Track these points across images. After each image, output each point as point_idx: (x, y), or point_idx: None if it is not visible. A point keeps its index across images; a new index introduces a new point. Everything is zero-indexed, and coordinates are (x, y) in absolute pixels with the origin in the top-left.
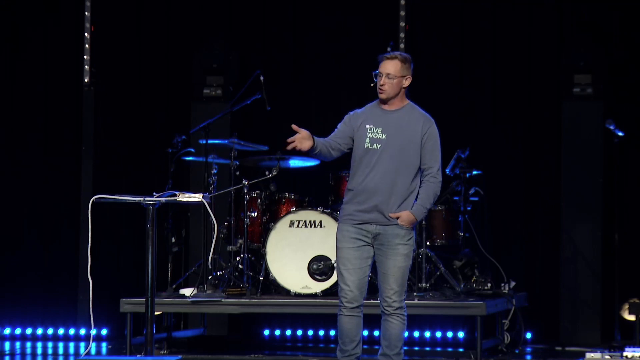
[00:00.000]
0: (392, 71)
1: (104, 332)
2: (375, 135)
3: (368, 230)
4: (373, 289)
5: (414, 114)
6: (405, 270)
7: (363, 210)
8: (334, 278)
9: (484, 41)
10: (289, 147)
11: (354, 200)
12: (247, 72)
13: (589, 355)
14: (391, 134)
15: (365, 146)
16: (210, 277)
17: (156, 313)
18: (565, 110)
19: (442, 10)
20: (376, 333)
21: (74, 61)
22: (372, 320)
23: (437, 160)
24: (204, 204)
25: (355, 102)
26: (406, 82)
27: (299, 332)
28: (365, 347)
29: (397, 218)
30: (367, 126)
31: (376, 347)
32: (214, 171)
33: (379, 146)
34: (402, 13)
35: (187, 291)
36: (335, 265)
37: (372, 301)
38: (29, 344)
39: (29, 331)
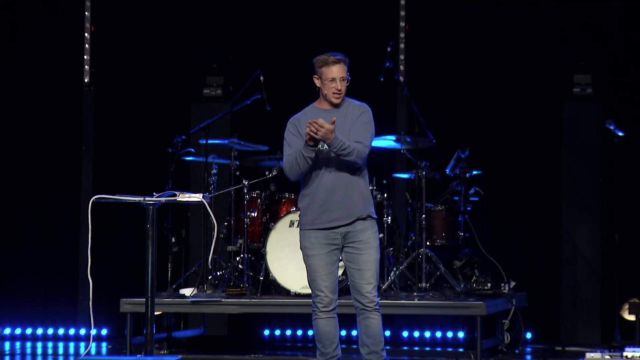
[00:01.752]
0: (344, 74)
1: (104, 332)
2: None
3: (337, 231)
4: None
5: (352, 106)
6: (378, 263)
7: (327, 211)
8: None
9: (484, 41)
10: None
11: (314, 204)
12: (247, 72)
13: (589, 355)
14: (336, 131)
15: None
16: (210, 277)
17: (156, 313)
18: (565, 110)
19: (442, 10)
20: (354, 333)
21: (74, 61)
22: (349, 320)
23: (367, 139)
24: (204, 204)
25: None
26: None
27: (299, 332)
28: (343, 346)
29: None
30: None
31: (354, 346)
32: (214, 171)
33: (326, 145)
34: (402, 13)
35: (187, 291)
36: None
37: (348, 301)
38: (29, 344)
39: (29, 331)
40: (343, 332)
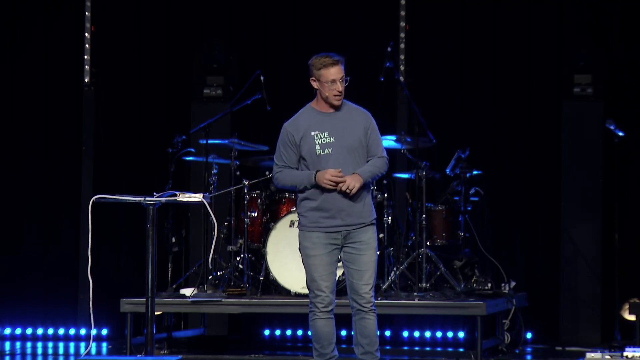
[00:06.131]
0: (343, 74)
1: (104, 332)
2: (324, 140)
3: (338, 231)
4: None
5: (353, 110)
6: (376, 263)
7: (330, 216)
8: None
9: (484, 41)
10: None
11: (317, 207)
12: (247, 72)
13: (589, 355)
14: (339, 136)
15: (317, 153)
16: (210, 277)
17: (156, 313)
18: (565, 110)
19: (442, 10)
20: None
21: (74, 61)
22: (348, 320)
23: (383, 150)
24: (204, 204)
25: (354, 102)
26: None
27: (299, 332)
28: (343, 346)
29: (348, 189)
30: (313, 133)
31: (353, 346)
32: (214, 171)
33: (330, 150)
34: (402, 13)
35: (187, 291)
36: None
37: (344, 300)
38: (29, 344)
39: (29, 331)
40: (343, 332)
